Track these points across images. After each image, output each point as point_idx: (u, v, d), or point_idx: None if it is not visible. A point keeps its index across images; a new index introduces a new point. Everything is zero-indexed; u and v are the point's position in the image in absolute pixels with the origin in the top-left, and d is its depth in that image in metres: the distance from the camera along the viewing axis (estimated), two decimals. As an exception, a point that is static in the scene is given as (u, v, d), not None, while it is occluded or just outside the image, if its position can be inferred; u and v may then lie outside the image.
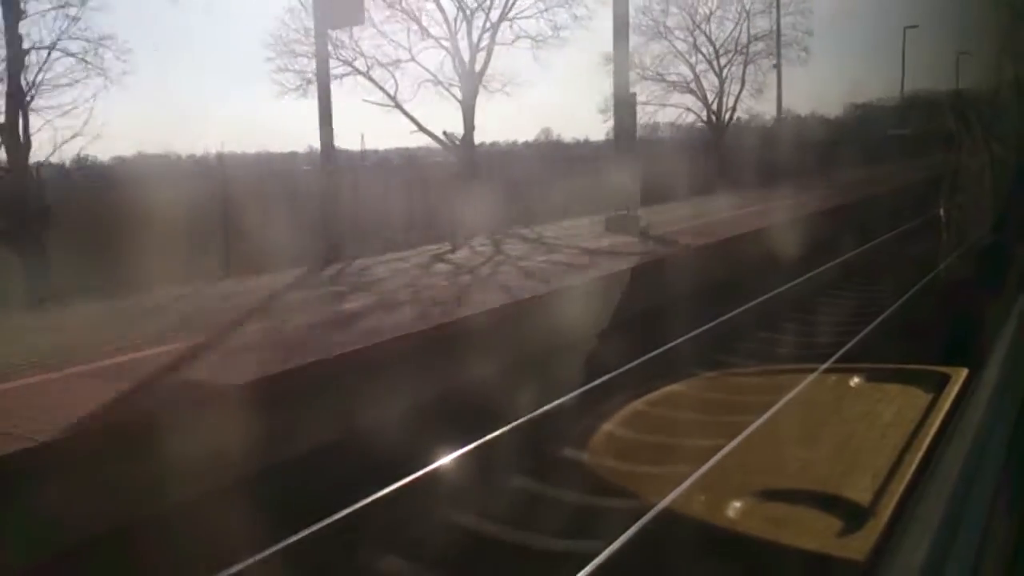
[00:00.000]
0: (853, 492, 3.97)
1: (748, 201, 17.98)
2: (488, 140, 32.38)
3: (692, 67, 29.77)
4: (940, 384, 4.94)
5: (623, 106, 13.84)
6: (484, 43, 21.07)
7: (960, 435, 1.53)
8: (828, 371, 6.46)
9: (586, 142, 31.23)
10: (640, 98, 29.31)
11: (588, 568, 3.89)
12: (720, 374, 7.18)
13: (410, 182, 19.38)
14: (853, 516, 3.74)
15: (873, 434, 4.81)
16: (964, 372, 4.63)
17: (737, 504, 4.07)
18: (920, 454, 4.04)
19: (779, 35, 27.93)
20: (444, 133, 20.96)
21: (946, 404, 4.58)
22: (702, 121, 30.31)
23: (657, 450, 5.42)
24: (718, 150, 28.42)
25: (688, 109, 30.36)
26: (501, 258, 11.71)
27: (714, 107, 30.08)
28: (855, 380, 5.96)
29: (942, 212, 12.19)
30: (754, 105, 30.85)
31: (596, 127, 29.35)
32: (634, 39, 29.34)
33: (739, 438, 4.96)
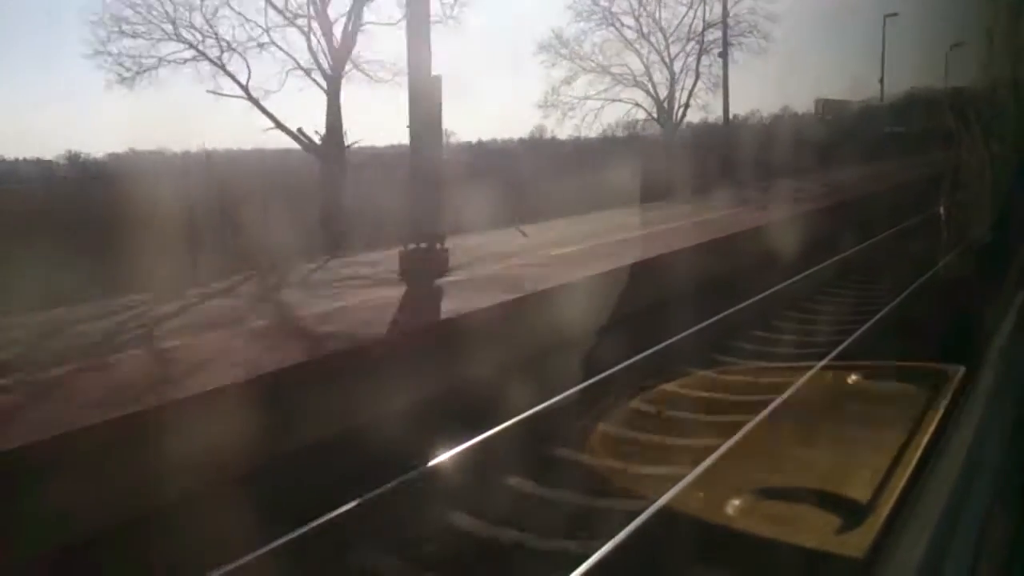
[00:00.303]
0: (852, 490, 3.98)
1: (670, 215, 14.92)
2: (479, 138, 31.27)
3: (642, 57, 27.01)
4: (938, 382, 4.95)
5: (422, 98, 9.60)
6: (354, 23, 18.00)
7: (958, 433, 1.54)
8: (827, 368, 6.47)
9: (578, 139, 29.72)
10: (579, 92, 26.51)
11: (585, 566, 3.89)
12: (718, 372, 7.19)
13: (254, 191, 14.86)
14: (852, 513, 3.75)
15: (872, 432, 4.82)
16: (962, 370, 4.64)
17: (736, 502, 4.08)
18: (919, 451, 4.05)
19: (725, 19, 25.16)
20: (299, 130, 17.61)
21: (944, 402, 4.60)
22: (652, 118, 27.63)
23: (655, 449, 5.43)
24: (668, 151, 25.39)
25: (637, 104, 27.58)
26: (141, 336, 6.90)
27: (665, 104, 27.29)
28: (853, 378, 5.97)
29: (942, 210, 12.19)
30: (711, 101, 28.07)
31: (591, 123, 27.56)
32: (576, 26, 26.93)
33: (737, 436, 4.97)
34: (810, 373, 6.27)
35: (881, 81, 33.16)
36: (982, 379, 1.85)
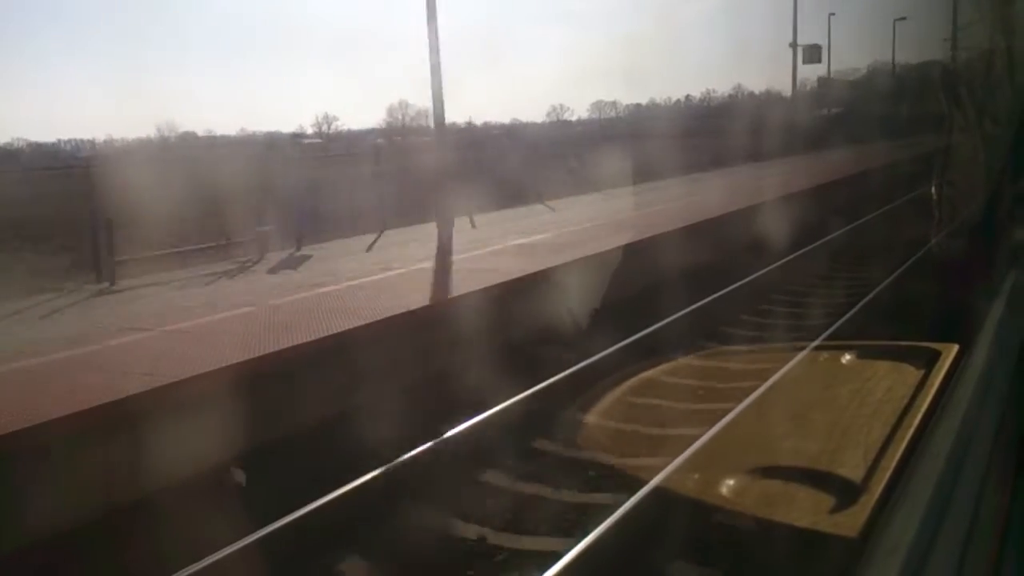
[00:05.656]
0: (845, 469, 3.99)
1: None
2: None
3: None
4: (931, 360, 4.96)
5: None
6: None
7: (951, 411, 1.53)
8: (820, 348, 6.48)
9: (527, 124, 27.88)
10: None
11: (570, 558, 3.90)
12: (713, 351, 7.20)
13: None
14: (845, 493, 3.76)
15: (865, 411, 4.83)
16: (955, 348, 4.65)
17: (730, 482, 4.09)
18: (911, 430, 4.06)
19: None
20: None
21: (937, 380, 4.60)
22: None
23: (646, 436, 5.43)
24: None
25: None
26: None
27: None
28: (847, 357, 5.98)
29: (933, 189, 12.17)
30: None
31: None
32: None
33: (730, 416, 4.98)
34: (804, 353, 6.28)
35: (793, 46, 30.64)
36: (975, 357, 1.84)
